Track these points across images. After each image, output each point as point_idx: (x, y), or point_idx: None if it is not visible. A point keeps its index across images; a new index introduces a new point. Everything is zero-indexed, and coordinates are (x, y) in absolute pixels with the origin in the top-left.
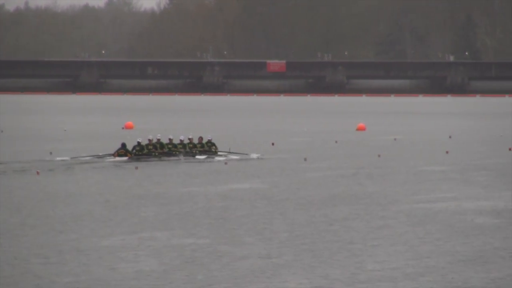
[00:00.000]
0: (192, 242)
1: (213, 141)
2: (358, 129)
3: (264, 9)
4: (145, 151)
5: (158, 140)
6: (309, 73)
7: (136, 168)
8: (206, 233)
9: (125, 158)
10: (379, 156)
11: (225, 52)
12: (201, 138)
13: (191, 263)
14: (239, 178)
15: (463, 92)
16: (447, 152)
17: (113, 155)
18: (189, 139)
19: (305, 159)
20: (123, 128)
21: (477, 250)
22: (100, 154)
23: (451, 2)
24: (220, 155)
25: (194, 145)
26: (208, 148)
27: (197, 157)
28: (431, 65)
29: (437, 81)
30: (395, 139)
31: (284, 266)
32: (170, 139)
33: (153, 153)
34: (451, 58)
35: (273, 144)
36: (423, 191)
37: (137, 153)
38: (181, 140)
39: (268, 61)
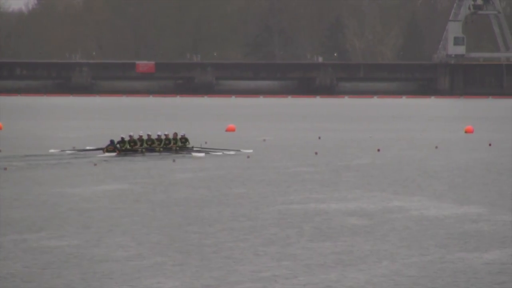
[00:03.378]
0: (60, 244)
1: (186, 137)
2: (227, 130)
3: (133, 10)
4: (127, 146)
5: (140, 136)
6: (178, 74)
7: (5, 169)
8: (73, 235)
9: (113, 154)
10: (248, 157)
11: (94, 53)
12: (175, 134)
13: (60, 264)
14: (107, 180)
15: (331, 93)
16: (316, 153)
17: (103, 151)
18: (165, 135)
19: (174, 160)
20: None
21: (348, 250)
22: (89, 148)
23: (319, 3)
24: (197, 150)
25: (170, 141)
26: (183, 144)
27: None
28: (300, 66)
29: (305, 82)
30: (264, 140)
31: (154, 267)
32: (148, 135)
33: (139, 149)
34: (320, 59)
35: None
36: (292, 192)
37: (123, 148)
38: (158, 135)
39: (137, 61)
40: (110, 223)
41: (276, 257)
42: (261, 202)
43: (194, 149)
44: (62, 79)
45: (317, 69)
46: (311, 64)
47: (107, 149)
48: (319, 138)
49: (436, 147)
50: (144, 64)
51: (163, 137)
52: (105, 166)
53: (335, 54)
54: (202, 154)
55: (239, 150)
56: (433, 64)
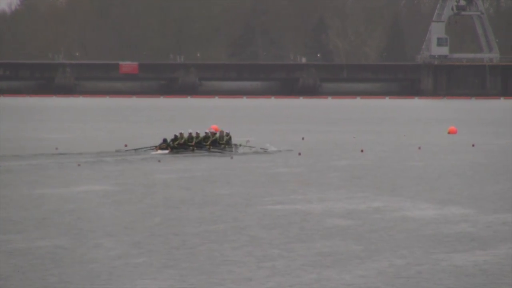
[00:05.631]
0: (42, 245)
1: (230, 134)
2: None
3: (116, 10)
4: (177, 143)
5: (190, 134)
6: (162, 75)
7: None
8: (56, 236)
9: (166, 151)
10: (231, 158)
11: (77, 53)
12: (222, 132)
13: (43, 265)
14: (92, 180)
15: (315, 94)
16: (299, 154)
17: (155, 148)
18: (212, 133)
19: (159, 161)
20: None
21: (331, 251)
22: (144, 147)
23: (303, 4)
24: (242, 147)
25: (217, 138)
26: (227, 141)
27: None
28: (283, 66)
29: (289, 82)
30: (248, 141)
31: (137, 268)
32: (197, 133)
33: (190, 147)
34: (303, 60)
35: (126, 145)
36: (275, 193)
37: (174, 146)
38: (206, 133)
39: (120, 62)
40: (93, 224)
41: (258, 258)
42: (244, 203)
43: (240, 146)
44: (45, 80)
45: (300, 70)
46: (295, 65)
47: (160, 147)
48: (303, 139)
49: (419, 148)
50: (128, 65)
51: (210, 135)
52: (88, 167)
53: (318, 55)
54: (245, 150)
55: (280, 150)
56: (417, 65)
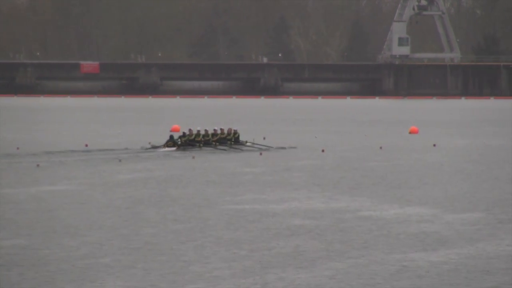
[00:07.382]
0: (3, 245)
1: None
2: (172, 131)
3: (77, 10)
4: (185, 140)
5: (198, 131)
6: (123, 74)
7: None
8: (18, 236)
9: (173, 149)
10: (193, 157)
11: (38, 53)
12: (230, 129)
13: (4, 266)
14: (53, 180)
15: (276, 93)
16: (260, 154)
17: (163, 146)
18: (220, 129)
19: (120, 160)
20: None
21: (294, 251)
22: (152, 145)
23: (264, 3)
24: (249, 146)
25: (225, 136)
26: (235, 138)
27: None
28: (245, 66)
29: (250, 82)
30: (253, 139)
31: (101, 268)
32: (205, 130)
33: (197, 144)
34: (265, 60)
35: (86, 145)
36: (237, 193)
37: (182, 143)
38: (215, 130)
39: (81, 62)
40: (55, 224)
41: (222, 257)
42: (206, 202)
43: (247, 144)
44: (6, 80)
45: (261, 70)
46: (256, 65)
47: (167, 144)
48: (264, 139)
49: (381, 148)
50: (89, 65)
51: (218, 131)
52: (48, 168)
53: (280, 55)
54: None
55: (284, 147)
56: (378, 65)
